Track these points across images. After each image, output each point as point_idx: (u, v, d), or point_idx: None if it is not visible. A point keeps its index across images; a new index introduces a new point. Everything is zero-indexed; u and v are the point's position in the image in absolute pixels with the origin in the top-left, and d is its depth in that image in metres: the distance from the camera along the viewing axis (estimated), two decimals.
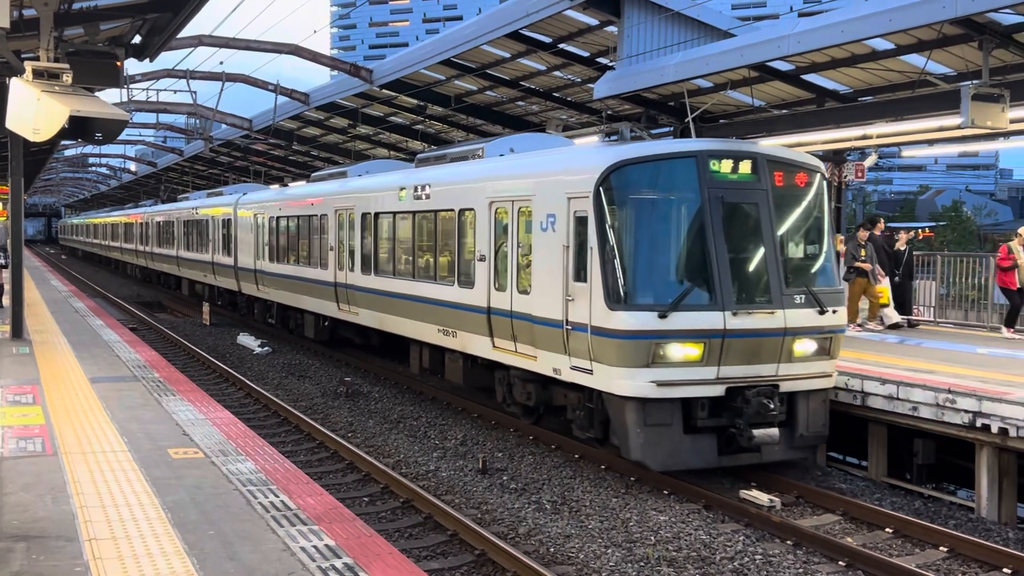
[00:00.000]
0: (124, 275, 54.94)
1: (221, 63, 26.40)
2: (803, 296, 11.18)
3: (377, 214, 17.80)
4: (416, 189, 16.01)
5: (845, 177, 21.07)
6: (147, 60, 14.05)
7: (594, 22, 18.50)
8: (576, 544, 9.47)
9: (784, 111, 19.56)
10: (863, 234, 17.81)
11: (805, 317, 11.13)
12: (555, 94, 24.06)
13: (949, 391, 10.96)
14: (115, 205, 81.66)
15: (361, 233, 18.36)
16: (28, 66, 10.48)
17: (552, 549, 9.37)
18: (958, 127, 13.98)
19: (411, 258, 16.35)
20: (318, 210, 20.84)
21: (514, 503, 10.82)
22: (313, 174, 23.48)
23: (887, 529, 9.85)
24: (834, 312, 11.41)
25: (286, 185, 29.89)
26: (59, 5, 10.53)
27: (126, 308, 32.63)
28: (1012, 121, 13.85)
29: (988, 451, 10.61)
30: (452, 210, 14.76)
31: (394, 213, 17.02)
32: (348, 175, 20.99)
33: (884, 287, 17.72)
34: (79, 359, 15.70)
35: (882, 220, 19.91)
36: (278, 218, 23.78)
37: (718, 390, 10.78)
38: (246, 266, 26.34)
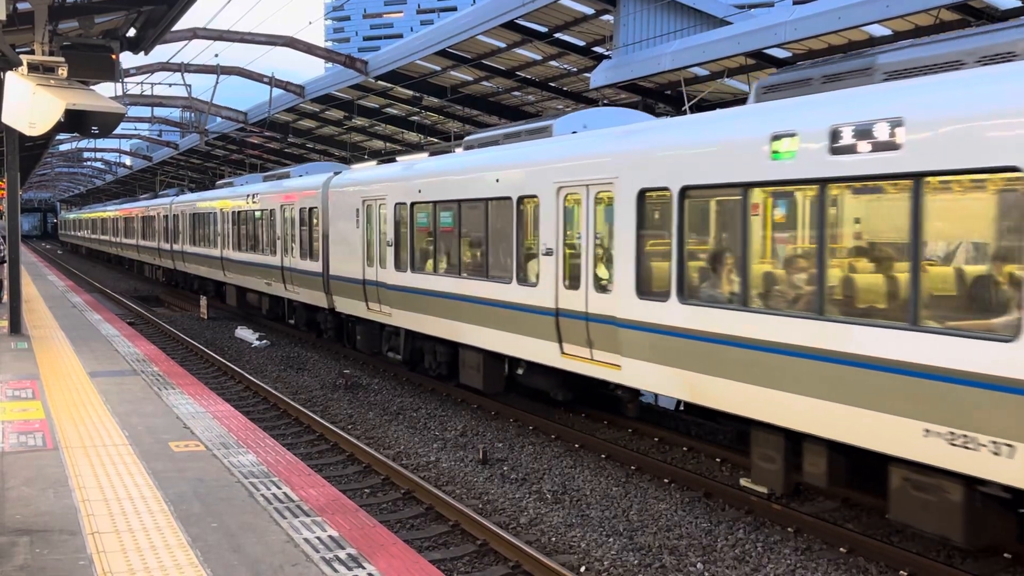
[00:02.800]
0: (121, 270, 54.67)
1: (216, 56, 26.40)
2: None
3: (687, 191, 9.92)
4: (839, 137, 8.09)
5: None
6: (142, 53, 13.98)
7: (590, 11, 18.48)
8: (577, 533, 9.49)
9: None
10: None
11: None
12: (551, 84, 24.04)
13: None
14: (126, 196, 74.49)
15: (637, 227, 10.64)
16: (23, 60, 10.43)
17: (554, 539, 9.39)
18: None
19: (820, 279, 8.41)
20: (513, 190, 12.99)
21: (515, 493, 10.84)
22: (468, 138, 15.74)
23: (887, 516, 9.86)
24: None
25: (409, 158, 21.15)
26: None
27: (124, 303, 32.60)
28: None
29: None
30: (1005, 170, 6.90)
31: (746, 186, 9.13)
32: (554, 132, 13.24)
33: None
34: (78, 354, 15.69)
35: None
36: (413, 205, 15.86)
37: None
38: (347, 275, 18.92)
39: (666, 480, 11.14)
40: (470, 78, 24.66)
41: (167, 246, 37.60)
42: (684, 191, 9.93)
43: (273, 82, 28.10)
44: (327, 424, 13.73)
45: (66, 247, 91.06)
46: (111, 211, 56.92)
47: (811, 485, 10.71)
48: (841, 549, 8.95)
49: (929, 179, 7.46)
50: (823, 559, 8.79)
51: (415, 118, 30.99)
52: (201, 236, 31.57)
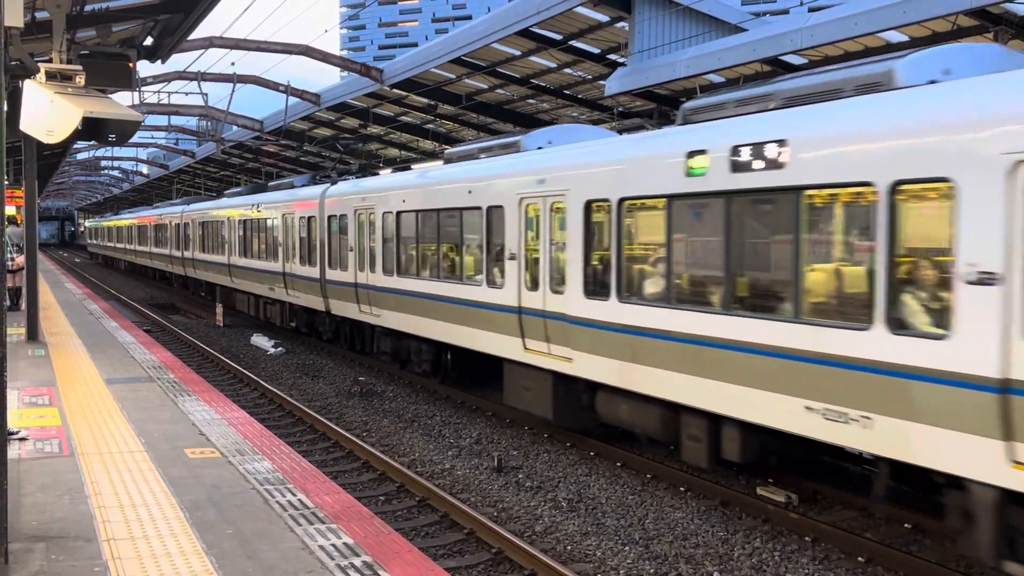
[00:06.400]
0: (138, 277, 54.59)
1: (232, 64, 26.50)
2: None
3: None
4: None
5: None
6: (159, 62, 14.10)
7: (605, 18, 18.48)
8: (593, 542, 9.44)
9: None
10: None
11: None
12: (566, 91, 24.05)
13: None
14: (144, 204, 63.40)
15: None
16: (41, 68, 10.51)
17: (569, 547, 9.34)
18: None
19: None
20: None
21: (530, 501, 10.79)
22: None
23: (906, 525, 9.77)
24: None
25: None
26: (71, 7, 10.57)
27: (140, 310, 32.75)
28: None
29: None
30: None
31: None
32: None
33: None
34: (94, 360, 15.76)
35: None
36: None
37: None
38: None
39: (682, 488, 11.07)
40: (485, 86, 24.69)
41: (308, 273, 21.95)
42: None
43: (289, 90, 28.20)
44: (342, 431, 13.73)
45: (96, 259, 76.95)
46: (166, 214, 41.66)
47: (829, 497, 10.62)
48: (859, 558, 8.86)
49: None
50: (841, 568, 8.70)
51: (430, 126, 31.06)
52: (445, 260, 15.64)
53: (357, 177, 22.10)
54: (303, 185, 24.69)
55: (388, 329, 18.02)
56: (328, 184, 21.96)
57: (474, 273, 14.50)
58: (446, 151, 17.01)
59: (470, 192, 14.40)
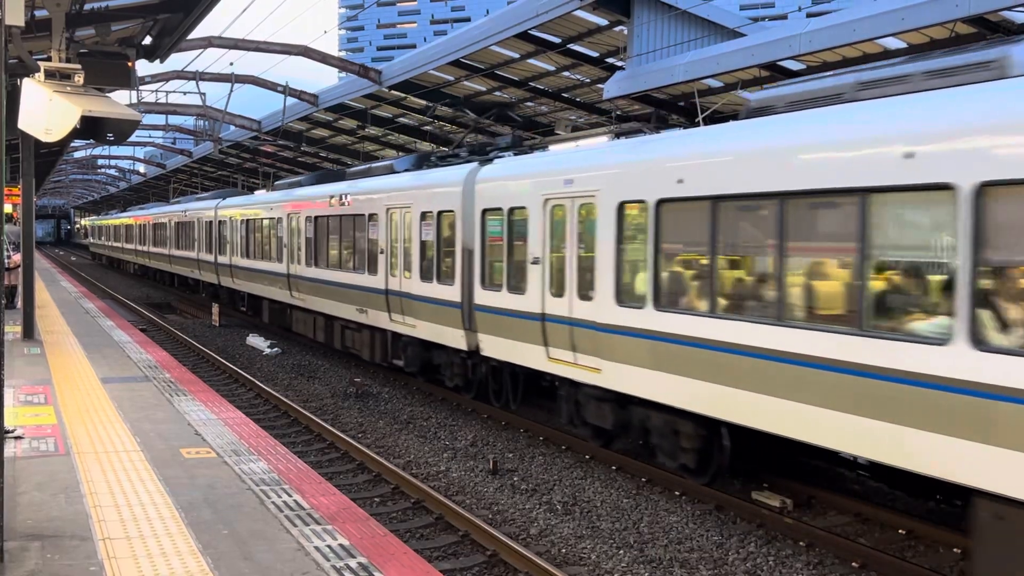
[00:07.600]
0: (135, 276, 54.50)
1: (231, 64, 26.50)
2: None
3: None
4: None
5: None
6: (157, 61, 14.11)
7: (603, 22, 18.50)
8: (588, 545, 9.45)
9: None
10: None
11: None
12: (564, 95, 24.07)
13: None
14: (140, 203, 59.20)
15: None
16: (40, 66, 10.51)
17: (564, 550, 9.35)
18: None
19: None
20: None
21: (525, 504, 10.80)
22: None
23: (900, 531, 9.79)
24: None
25: None
26: (71, 6, 10.56)
27: (136, 309, 32.72)
28: None
29: None
30: None
31: None
32: None
33: None
34: (90, 360, 15.74)
35: None
36: None
37: None
38: None
39: (677, 492, 11.08)
40: (483, 88, 24.71)
41: (438, 294, 15.76)
42: None
43: (287, 91, 28.21)
44: (338, 432, 13.73)
45: (99, 261, 70.60)
46: (196, 209, 34.59)
47: (823, 502, 10.63)
48: (853, 564, 8.88)
49: None
50: (835, 574, 8.72)
51: (428, 128, 31.09)
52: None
53: (515, 153, 15.52)
54: (406, 169, 18.23)
55: (607, 391, 11.69)
56: (475, 164, 15.26)
57: (907, 317, 7.83)
58: (752, 98, 10.38)
59: (910, 157, 7.58)
